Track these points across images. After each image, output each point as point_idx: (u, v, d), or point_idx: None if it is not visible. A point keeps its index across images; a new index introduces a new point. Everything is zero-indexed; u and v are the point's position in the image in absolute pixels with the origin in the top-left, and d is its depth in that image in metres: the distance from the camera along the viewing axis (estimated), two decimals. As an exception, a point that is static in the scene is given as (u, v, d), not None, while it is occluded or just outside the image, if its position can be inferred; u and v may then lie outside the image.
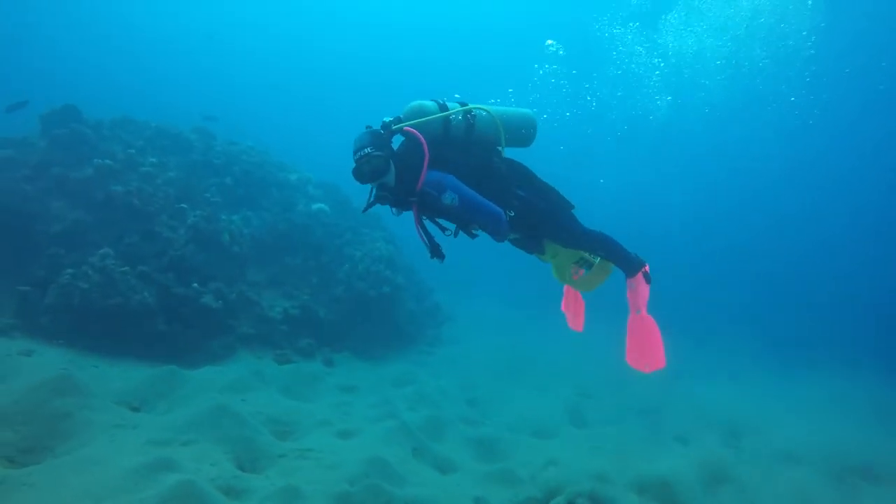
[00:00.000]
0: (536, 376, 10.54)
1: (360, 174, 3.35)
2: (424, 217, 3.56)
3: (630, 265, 3.92)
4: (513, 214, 3.52)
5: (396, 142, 3.54)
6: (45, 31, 36.19)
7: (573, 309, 4.66)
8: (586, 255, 4.00)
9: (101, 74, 33.48)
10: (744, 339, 15.03)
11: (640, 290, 3.92)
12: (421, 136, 3.36)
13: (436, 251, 3.59)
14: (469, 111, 3.61)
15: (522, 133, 3.85)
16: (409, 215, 3.61)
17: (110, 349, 7.45)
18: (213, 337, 8.53)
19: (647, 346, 3.84)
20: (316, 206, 11.59)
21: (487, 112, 3.66)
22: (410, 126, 3.44)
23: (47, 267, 8.08)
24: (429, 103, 3.57)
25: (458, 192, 3.28)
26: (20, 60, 31.68)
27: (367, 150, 3.29)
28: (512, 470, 5.82)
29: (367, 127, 3.47)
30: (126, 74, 34.71)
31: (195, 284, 8.51)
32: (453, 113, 3.55)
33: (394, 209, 3.58)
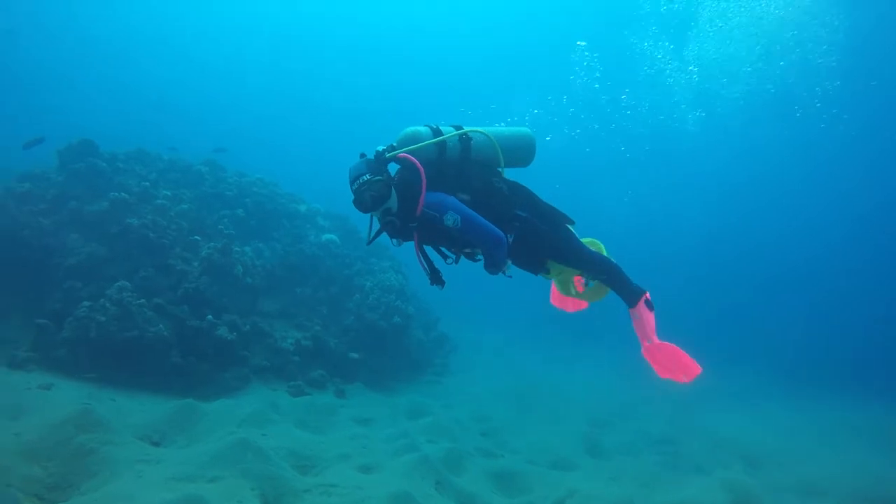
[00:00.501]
0: (547, 405, 10.54)
1: (362, 203, 3.28)
2: (425, 244, 3.51)
3: (631, 295, 3.85)
4: (512, 239, 3.46)
5: (391, 171, 3.49)
6: (45, 57, 36.39)
7: (569, 301, 4.52)
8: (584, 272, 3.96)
9: (102, 104, 33.77)
10: (754, 363, 15.05)
11: (646, 319, 3.84)
12: (415, 160, 3.33)
13: (436, 278, 3.55)
14: (464, 134, 3.56)
15: (521, 153, 3.80)
16: (410, 245, 3.57)
17: (126, 382, 7.44)
18: (227, 369, 8.53)
19: (675, 364, 3.77)
20: (326, 237, 11.70)
21: (483, 134, 3.62)
22: (405, 152, 3.40)
23: (63, 300, 8.13)
24: (422, 129, 3.53)
25: (459, 212, 3.24)
26: (25, 90, 32.05)
27: (366, 176, 3.25)
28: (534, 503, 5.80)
29: (361, 155, 3.42)
30: (125, 104, 34.95)
31: (210, 317, 8.54)
32: (448, 137, 3.50)
33: (394, 240, 3.51)
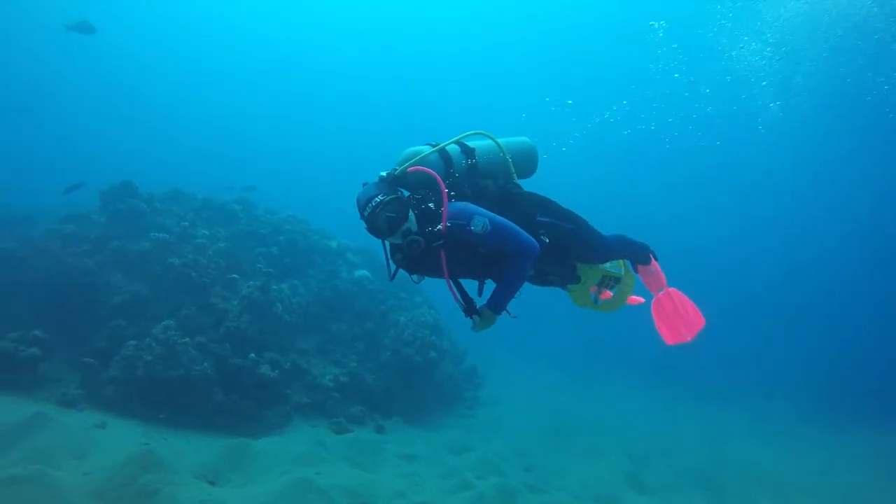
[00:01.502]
0: (584, 439, 10.45)
1: (377, 228, 2.96)
2: (452, 268, 3.11)
3: (643, 253, 3.91)
4: (547, 241, 3.25)
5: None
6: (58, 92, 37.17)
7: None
8: (610, 272, 3.82)
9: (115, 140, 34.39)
10: (784, 391, 14.84)
11: (657, 270, 3.98)
12: (430, 171, 3.06)
13: (471, 308, 3.19)
14: (459, 141, 3.38)
15: (526, 162, 3.60)
16: (434, 279, 3.31)
17: (173, 420, 7.48)
18: (269, 406, 8.55)
19: (681, 316, 3.82)
20: (359, 273, 11.81)
21: (488, 137, 3.45)
22: (411, 165, 3.13)
23: (109, 338, 8.24)
24: (422, 147, 3.29)
25: (486, 216, 2.96)
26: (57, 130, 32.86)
27: (378, 198, 2.94)
28: (592, 541, 5.72)
29: (364, 184, 3.14)
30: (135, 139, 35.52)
31: (252, 355, 8.60)
32: (447, 143, 3.30)
33: (414, 276, 3.26)
